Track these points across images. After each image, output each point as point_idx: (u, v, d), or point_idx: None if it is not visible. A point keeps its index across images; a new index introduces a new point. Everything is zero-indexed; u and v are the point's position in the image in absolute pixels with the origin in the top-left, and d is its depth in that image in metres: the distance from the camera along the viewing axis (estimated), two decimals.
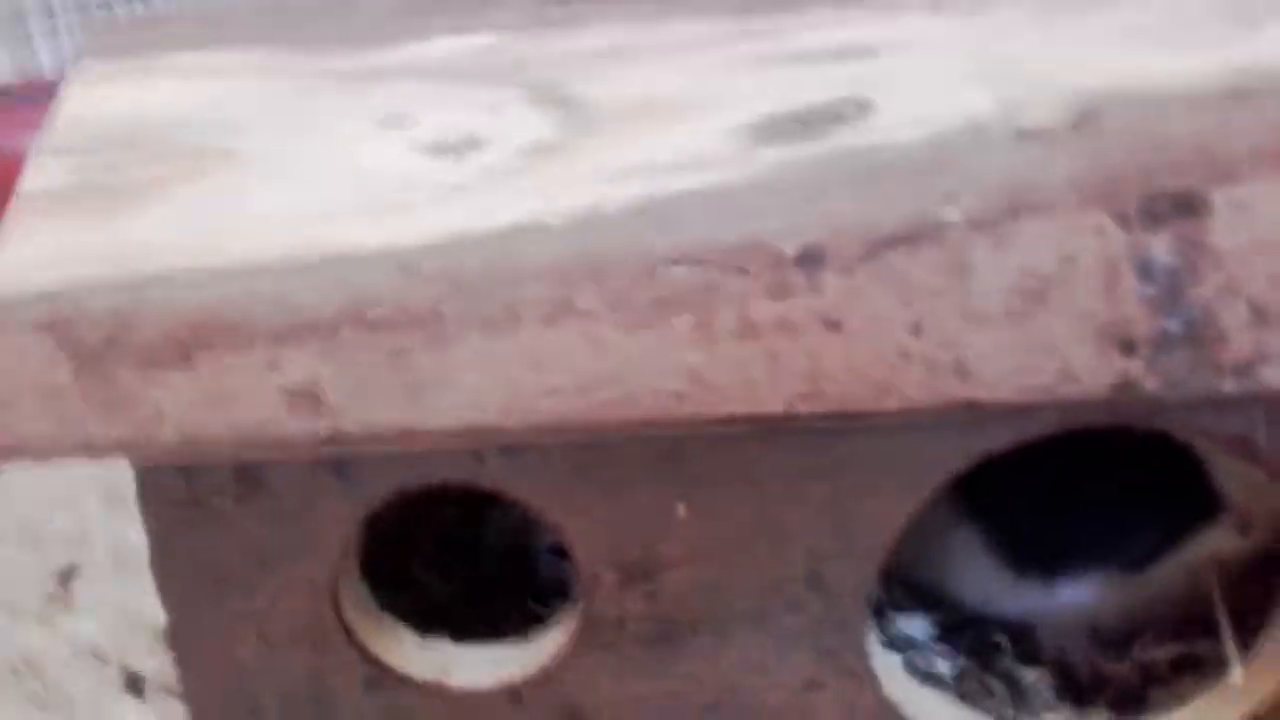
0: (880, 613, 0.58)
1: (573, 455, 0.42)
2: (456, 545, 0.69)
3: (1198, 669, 0.51)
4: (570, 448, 0.42)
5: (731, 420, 0.39)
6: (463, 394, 0.40)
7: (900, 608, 0.59)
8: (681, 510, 0.43)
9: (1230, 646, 0.45)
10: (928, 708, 0.48)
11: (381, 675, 0.48)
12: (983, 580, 0.53)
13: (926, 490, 0.42)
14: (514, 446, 0.42)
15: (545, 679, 0.48)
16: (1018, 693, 0.52)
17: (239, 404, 0.40)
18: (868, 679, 0.45)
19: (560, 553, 0.68)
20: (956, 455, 0.41)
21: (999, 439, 0.40)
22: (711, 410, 0.39)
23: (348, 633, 0.47)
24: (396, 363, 0.40)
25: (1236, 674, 0.44)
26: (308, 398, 0.40)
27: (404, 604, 0.58)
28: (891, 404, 0.38)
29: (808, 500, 0.42)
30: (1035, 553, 0.52)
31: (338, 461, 0.43)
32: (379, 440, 0.41)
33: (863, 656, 0.45)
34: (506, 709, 0.48)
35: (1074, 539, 0.50)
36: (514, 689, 0.48)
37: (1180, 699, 0.47)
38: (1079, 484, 0.49)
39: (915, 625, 0.58)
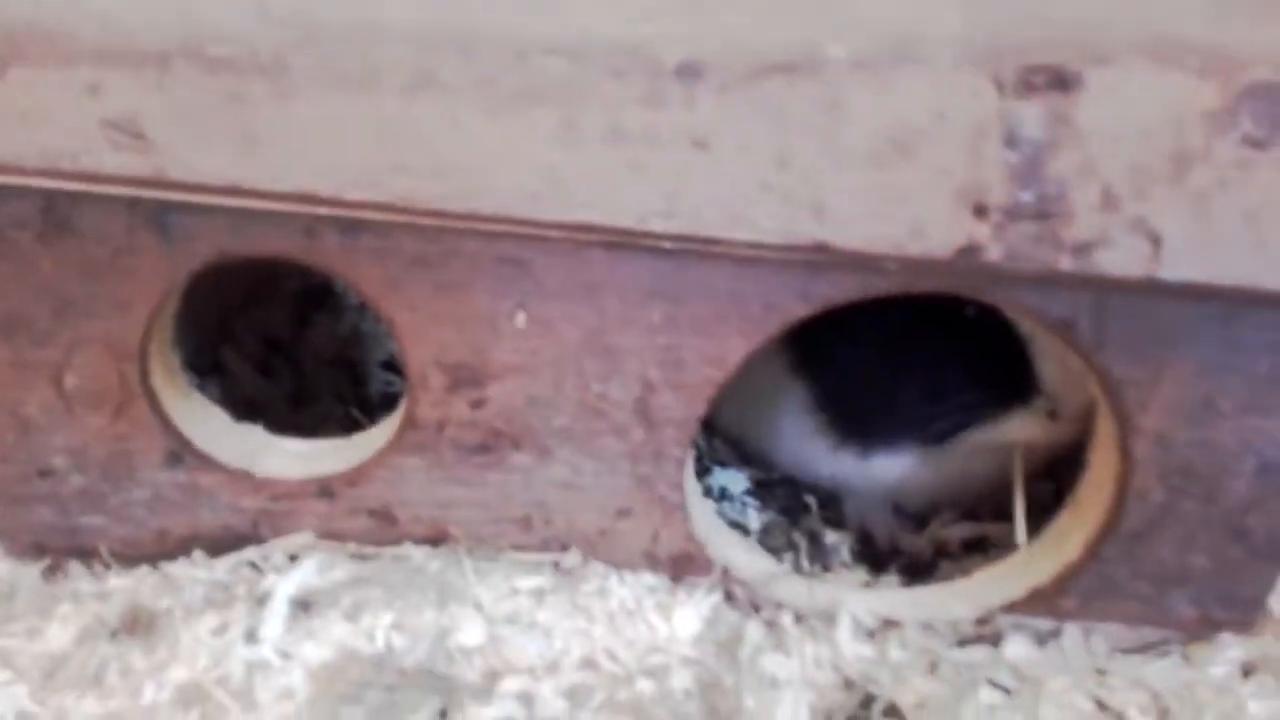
0: (700, 464, 0.60)
1: (413, 246, 0.40)
2: (281, 348, 0.67)
3: (986, 549, 0.54)
4: (411, 237, 0.40)
5: (583, 228, 0.38)
6: (303, 156, 0.37)
7: (720, 462, 0.61)
8: (521, 319, 0.42)
9: (1020, 519, 0.47)
10: (730, 550, 0.49)
11: (184, 451, 0.46)
12: (804, 441, 0.55)
13: (764, 333, 0.42)
14: (352, 224, 0.40)
15: (358, 476, 0.46)
16: (818, 549, 0.54)
17: (51, 127, 0.37)
18: (678, 513, 0.46)
19: (390, 367, 0.67)
20: (798, 301, 0.41)
21: (841, 290, 0.40)
22: (565, 214, 0.38)
23: (152, 402, 0.45)
24: (234, 109, 0.37)
25: (1021, 543, 0.47)
26: (130, 132, 0.37)
27: (218, 394, 0.56)
28: (744, 234, 0.38)
29: (645, 326, 0.41)
30: (857, 422, 0.53)
31: (158, 214, 0.40)
32: (204, 191, 0.38)
33: (678, 490, 0.45)
34: (315, 503, 0.47)
35: (894, 412, 0.52)
36: (325, 483, 0.47)
37: (965, 571, 0.49)
38: (906, 358, 0.50)
39: (731, 479, 0.59)
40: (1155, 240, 0.36)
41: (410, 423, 0.45)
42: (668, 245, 0.38)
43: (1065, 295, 0.39)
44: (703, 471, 0.59)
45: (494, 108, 0.37)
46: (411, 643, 0.43)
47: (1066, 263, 0.37)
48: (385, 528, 0.47)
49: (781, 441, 0.56)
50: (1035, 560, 0.47)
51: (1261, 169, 0.36)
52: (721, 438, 0.61)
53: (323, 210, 0.39)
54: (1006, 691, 0.45)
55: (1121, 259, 0.37)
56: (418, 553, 0.47)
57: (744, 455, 0.60)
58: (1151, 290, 0.37)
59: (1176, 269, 0.37)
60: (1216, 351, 0.39)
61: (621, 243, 0.39)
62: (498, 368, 0.43)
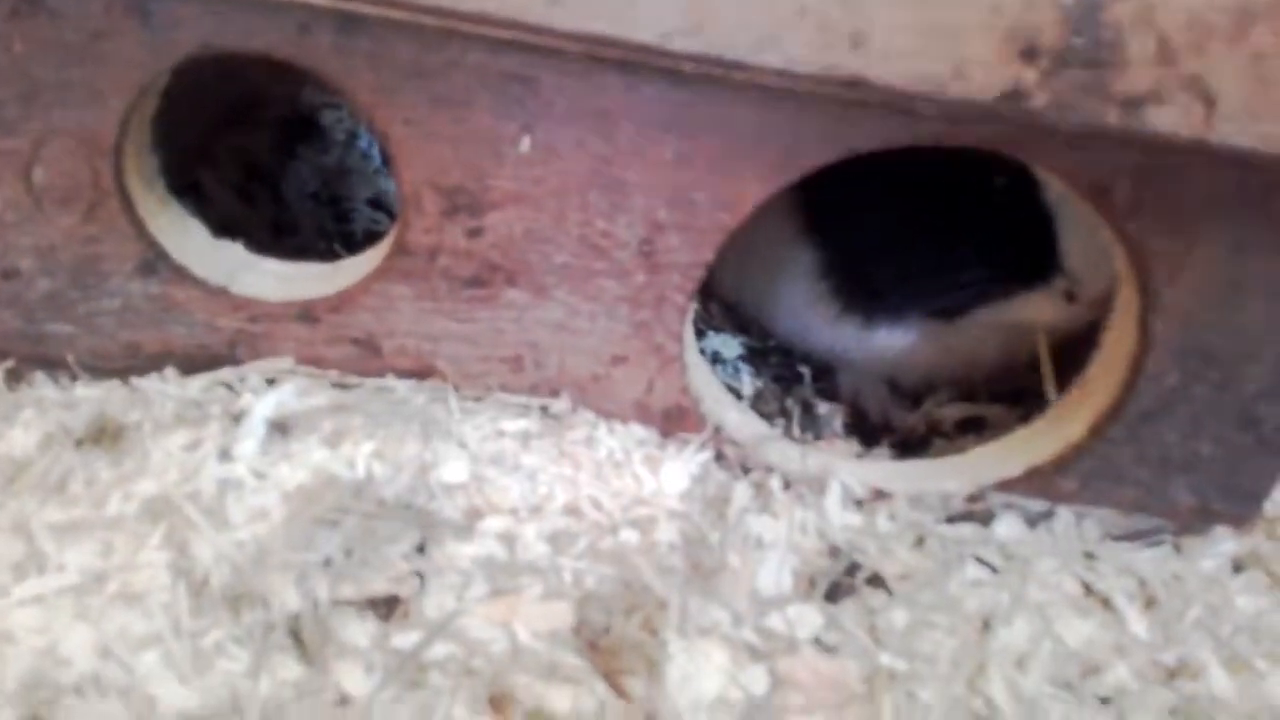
0: (694, 328, 0.58)
1: (412, 52, 0.38)
2: (262, 176, 0.64)
3: (981, 431, 0.53)
4: (411, 42, 0.37)
5: (599, 41, 0.35)
6: None
7: (714, 327, 0.59)
8: (525, 143, 0.39)
9: (1049, 378, 0.46)
10: (723, 409, 0.47)
11: (158, 261, 0.43)
12: (805, 308, 0.53)
13: (782, 178, 0.39)
14: (349, 21, 0.37)
15: (342, 302, 0.44)
16: (811, 418, 0.53)
17: None
18: (675, 364, 0.44)
19: (378, 205, 0.64)
20: (823, 146, 0.38)
21: (870, 137, 0.38)
22: (580, 25, 0.35)
23: (126, 205, 0.42)
24: None
25: (1051, 398, 0.45)
26: None
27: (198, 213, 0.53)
28: (773, 60, 0.35)
29: (656, 160, 0.39)
30: (863, 291, 0.51)
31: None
32: None
33: (676, 340, 0.44)
34: (295, 327, 0.45)
35: (903, 283, 0.50)
36: (307, 307, 0.45)
37: (960, 449, 0.48)
38: (923, 227, 0.48)
39: (725, 344, 0.57)
40: (1209, 100, 0.34)
41: (401, 248, 0.42)
42: (688, 68, 0.36)
43: (1106, 156, 0.37)
44: (696, 335, 0.57)
45: None
46: (393, 473, 0.42)
47: (1114, 116, 0.34)
48: (369, 358, 0.45)
49: (781, 307, 0.54)
50: (1035, 439, 0.46)
51: None
52: (718, 301, 0.59)
53: (318, 1, 0.36)
54: (993, 569, 0.45)
55: (1172, 117, 0.34)
56: (402, 385, 0.45)
57: (739, 321, 0.58)
58: (1199, 154, 0.35)
59: (1228, 133, 0.34)
60: (1254, 229, 0.38)
61: (639, 62, 0.36)
62: (497, 195, 0.41)
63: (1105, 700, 0.40)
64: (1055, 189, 0.43)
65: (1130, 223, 0.38)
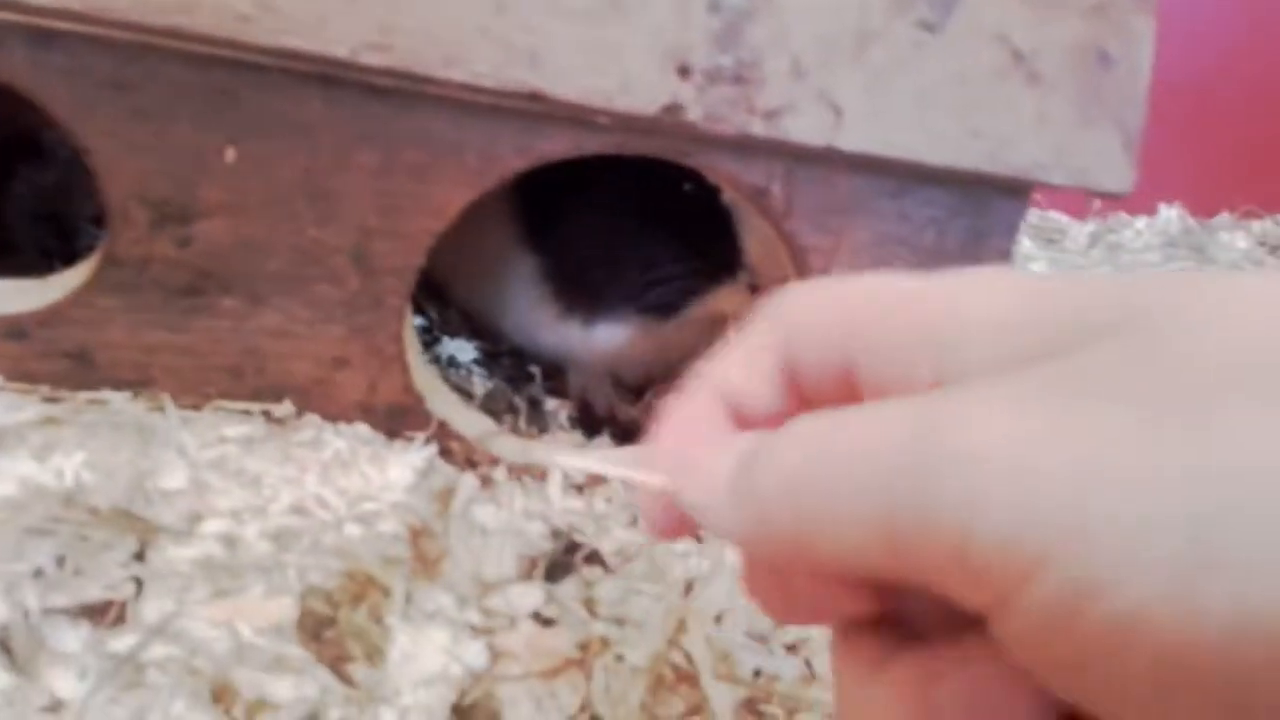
0: (430, 334, 0.60)
1: (112, 68, 0.39)
2: None
3: None
4: (109, 55, 0.38)
5: (293, 56, 0.38)
6: None
7: (450, 333, 0.61)
8: (230, 154, 0.41)
9: None
10: (448, 406, 0.50)
11: None
12: (531, 311, 0.56)
13: (483, 185, 0.42)
14: (41, 35, 0.37)
15: (53, 316, 0.44)
16: (538, 414, 0.56)
17: None
18: (396, 364, 0.46)
19: (102, 223, 0.63)
20: (515, 154, 0.42)
21: (556, 145, 0.41)
22: (274, 40, 0.37)
23: None
24: None
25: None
26: None
27: None
28: (459, 75, 0.38)
29: (360, 169, 0.41)
30: (581, 292, 0.55)
31: None
32: None
33: (396, 341, 0.46)
34: (4, 344, 0.44)
35: (615, 284, 0.54)
36: (15, 322, 0.44)
37: None
38: (627, 232, 0.53)
39: (460, 348, 0.60)
40: (837, 111, 0.40)
41: (110, 260, 0.43)
42: (381, 82, 0.38)
43: (760, 163, 0.42)
44: (432, 341, 0.60)
45: None
46: (105, 482, 0.42)
47: (758, 127, 0.40)
48: (83, 371, 0.45)
49: (510, 311, 0.58)
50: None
51: (931, 52, 0.40)
52: (455, 308, 0.62)
53: (6, 16, 0.36)
54: (698, 540, 0.49)
55: (806, 126, 0.40)
56: (118, 397, 0.45)
57: (475, 327, 0.61)
58: (832, 159, 0.41)
59: (854, 140, 0.40)
60: (889, 224, 0.44)
61: (335, 76, 0.38)
62: (205, 205, 0.42)
63: (791, 647, 0.45)
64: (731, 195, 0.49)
65: (786, 222, 0.43)
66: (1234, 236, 1.01)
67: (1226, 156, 1.08)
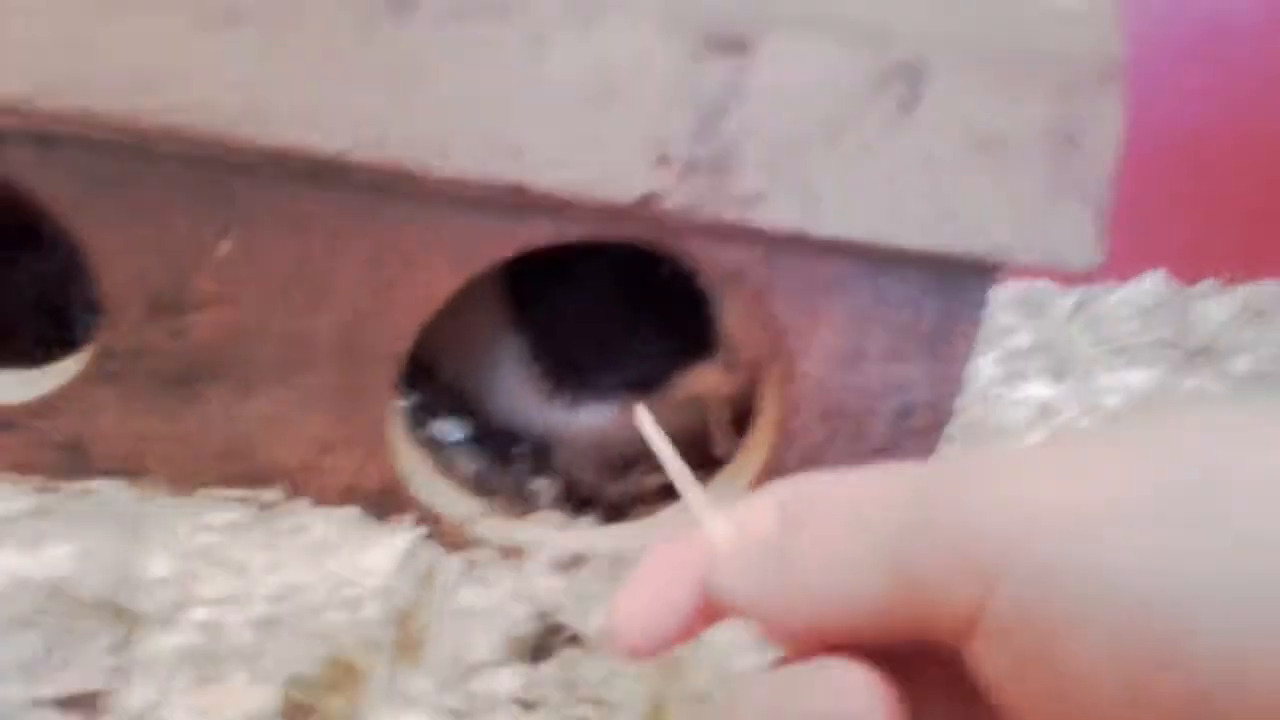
0: (419, 415, 0.61)
1: (110, 163, 0.40)
2: None
3: (678, 495, 0.58)
4: (108, 155, 0.40)
5: (283, 155, 0.39)
6: None
7: (439, 414, 0.62)
8: (224, 247, 0.42)
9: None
10: (434, 489, 0.50)
11: None
12: (518, 393, 0.57)
13: (468, 272, 0.44)
14: (44, 136, 0.39)
15: (46, 408, 0.45)
16: (524, 495, 0.56)
17: None
18: (382, 449, 0.47)
19: (97, 309, 0.64)
20: (500, 242, 0.43)
21: (539, 234, 0.43)
22: (267, 139, 0.39)
23: None
24: None
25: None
26: None
27: None
28: (446, 170, 0.39)
29: (350, 259, 0.42)
30: (566, 373, 0.56)
31: None
32: None
33: (379, 426, 0.47)
34: (2, 436, 0.45)
35: (598, 364, 0.55)
36: (5, 413, 0.45)
37: (653, 512, 0.53)
38: (609, 313, 0.54)
39: (448, 429, 0.61)
40: (811, 197, 0.41)
41: (105, 351, 0.44)
42: (371, 178, 0.40)
43: (736, 247, 0.43)
44: (420, 422, 0.60)
45: (199, 21, 0.37)
46: (92, 573, 0.42)
47: (733, 214, 0.41)
48: (76, 461, 0.46)
49: (498, 393, 0.58)
50: (710, 496, 0.51)
51: (903, 136, 0.41)
52: (444, 389, 0.62)
53: (8, 120, 0.38)
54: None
55: (780, 213, 0.41)
56: (108, 486, 0.46)
57: (464, 408, 0.62)
58: (806, 244, 0.42)
59: (828, 225, 0.41)
60: (865, 303, 0.45)
61: (325, 172, 0.40)
62: (199, 296, 0.43)
63: None
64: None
65: (764, 303, 0.44)
66: (1217, 304, 1.02)
67: (1211, 219, 1.09)
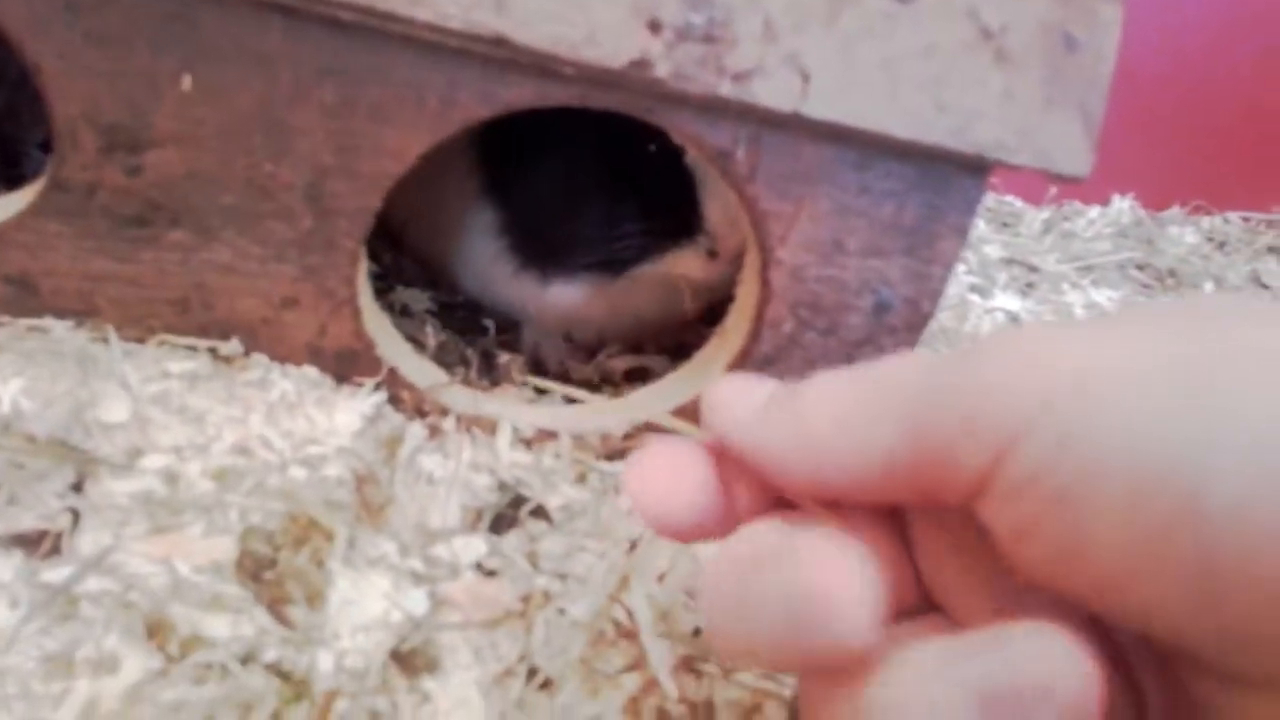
0: (384, 282, 0.60)
1: None
2: None
3: (645, 378, 0.58)
4: None
5: None
6: None
7: (405, 281, 0.61)
8: (186, 82, 0.40)
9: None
10: (399, 353, 0.49)
11: None
12: (488, 265, 0.56)
13: (443, 130, 0.42)
14: None
15: None
16: (490, 368, 0.56)
17: None
18: (347, 308, 0.46)
19: (49, 148, 0.61)
20: (479, 102, 0.41)
21: (520, 95, 0.41)
22: None
23: None
24: None
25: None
26: None
27: None
28: (424, 14, 0.37)
29: (319, 104, 0.41)
30: (538, 248, 0.55)
31: None
32: None
33: (348, 285, 0.45)
34: None
35: (572, 240, 0.54)
36: None
37: (619, 392, 0.53)
38: (587, 188, 0.52)
39: (414, 298, 0.60)
40: (805, 76, 0.40)
41: (56, 184, 0.42)
42: (345, 17, 0.38)
43: (726, 125, 0.42)
44: (386, 289, 0.59)
45: None
46: (44, 410, 0.41)
47: (726, 88, 0.39)
48: (25, 297, 0.44)
49: (466, 264, 0.57)
50: (682, 382, 0.51)
51: (902, 23, 0.40)
52: (409, 257, 0.61)
53: None
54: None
55: (774, 91, 0.40)
56: (59, 326, 0.44)
57: (429, 277, 0.61)
58: (798, 125, 0.41)
59: (821, 108, 0.40)
60: (850, 195, 0.44)
61: (298, 8, 0.38)
62: (158, 134, 0.41)
63: None
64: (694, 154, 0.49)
65: (748, 186, 0.43)
66: (1183, 231, 1.03)
67: (1181, 151, 1.09)
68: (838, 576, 0.21)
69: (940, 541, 0.24)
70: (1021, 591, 0.22)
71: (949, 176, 0.44)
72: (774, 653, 0.23)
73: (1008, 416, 0.20)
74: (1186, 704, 0.22)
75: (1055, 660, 0.19)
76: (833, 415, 0.23)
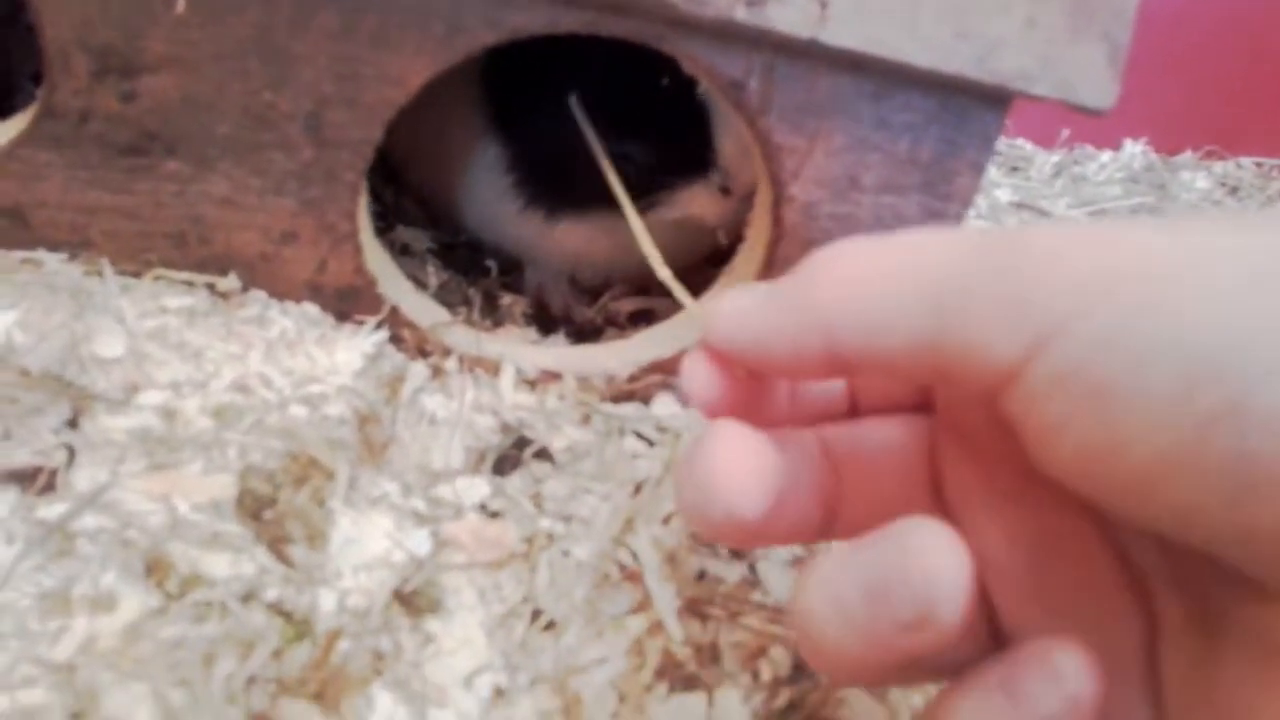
0: (385, 220, 0.58)
1: None
2: None
3: (650, 320, 0.56)
4: None
5: None
6: None
7: (405, 220, 0.59)
8: (180, 5, 0.38)
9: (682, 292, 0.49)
10: (401, 291, 0.48)
11: None
12: (492, 202, 0.54)
13: (448, 57, 0.40)
14: None
15: None
16: (493, 307, 0.55)
17: None
18: (349, 243, 0.45)
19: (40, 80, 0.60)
20: (485, 28, 0.40)
21: (529, 20, 0.39)
22: None
23: None
24: None
25: (692, 310, 0.49)
26: None
27: None
28: None
29: (320, 31, 0.39)
30: (545, 185, 0.53)
31: None
32: None
33: (349, 219, 0.44)
34: None
35: (580, 178, 0.52)
36: None
37: (624, 334, 0.52)
38: (598, 124, 0.51)
39: (415, 236, 0.58)
40: (823, 3, 0.38)
41: (48, 111, 0.40)
42: None
43: (738, 55, 0.40)
44: (387, 227, 0.58)
45: None
46: (37, 344, 0.40)
47: (741, 13, 0.38)
48: (17, 229, 0.43)
49: (470, 201, 0.56)
50: (687, 325, 0.50)
51: None
52: (410, 195, 0.59)
53: None
54: (650, 442, 0.49)
55: (791, 17, 0.38)
56: (52, 259, 0.43)
57: (430, 216, 0.59)
58: (814, 54, 0.39)
59: (839, 35, 0.39)
60: (866, 128, 0.42)
61: None
62: (152, 58, 0.39)
63: (736, 553, 0.45)
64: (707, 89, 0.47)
65: (761, 119, 0.42)
66: (1195, 176, 1.01)
67: (1194, 95, 1.07)
68: (733, 461, 0.24)
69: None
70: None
71: (968, 109, 0.42)
72: (696, 522, 0.26)
73: (1051, 308, 0.19)
74: (1204, 619, 0.22)
75: (936, 553, 0.21)
76: (856, 297, 0.22)
